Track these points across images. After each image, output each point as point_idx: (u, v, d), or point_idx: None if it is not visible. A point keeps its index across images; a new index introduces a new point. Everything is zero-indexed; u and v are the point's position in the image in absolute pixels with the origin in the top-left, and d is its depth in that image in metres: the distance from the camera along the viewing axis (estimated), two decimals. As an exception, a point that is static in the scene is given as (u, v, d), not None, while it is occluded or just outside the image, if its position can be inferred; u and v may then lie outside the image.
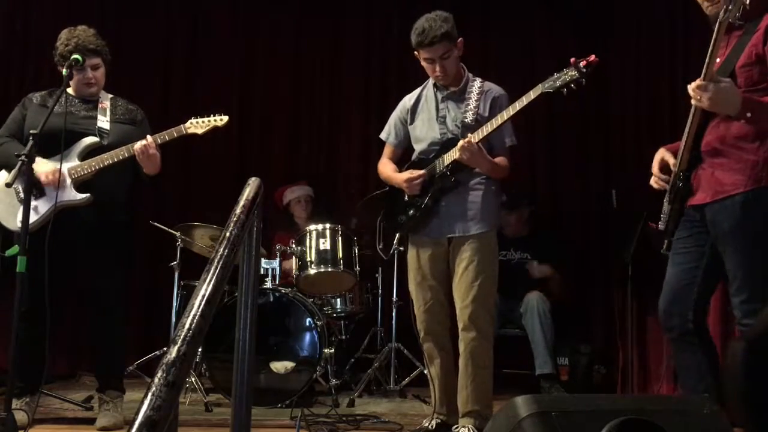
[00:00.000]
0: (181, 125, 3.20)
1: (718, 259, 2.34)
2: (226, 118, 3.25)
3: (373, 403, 3.97)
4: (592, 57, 2.69)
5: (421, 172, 3.04)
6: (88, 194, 3.09)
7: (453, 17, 2.99)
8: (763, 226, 2.24)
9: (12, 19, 5.05)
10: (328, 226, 4.03)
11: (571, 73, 2.71)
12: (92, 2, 5.00)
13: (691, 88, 2.20)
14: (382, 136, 3.32)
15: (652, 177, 2.52)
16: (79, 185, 3.11)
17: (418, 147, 3.16)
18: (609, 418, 1.60)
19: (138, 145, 3.08)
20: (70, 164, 3.11)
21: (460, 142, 2.89)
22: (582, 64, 2.68)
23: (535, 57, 5.27)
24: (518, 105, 2.82)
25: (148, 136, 3.12)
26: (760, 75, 2.22)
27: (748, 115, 2.16)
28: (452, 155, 2.96)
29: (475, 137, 2.89)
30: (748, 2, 2.09)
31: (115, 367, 3.33)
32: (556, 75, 2.76)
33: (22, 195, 3.01)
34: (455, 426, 2.96)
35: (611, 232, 4.72)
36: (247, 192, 1.85)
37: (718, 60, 2.22)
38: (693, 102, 2.23)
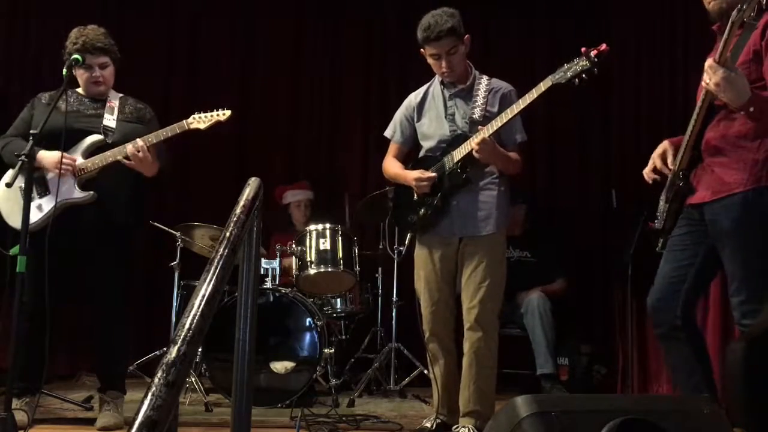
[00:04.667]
0: (183, 121, 3.18)
1: (713, 258, 2.34)
2: (228, 113, 3.23)
3: (373, 403, 3.97)
4: (603, 46, 2.60)
5: (432, 174, 3.01)
6: (92, 192, 3.09)
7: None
8: (763, 225, 2.23)
9: (13, 19, 5.05)
10: (328, 226, 4.02)
11: (582, 63, 2.63)
12: (93, 2, 5.00)
13: (705, 66, 2.17)
14: (387, 134, 3.29)
15: (648, 165, 2.50)
16: (83, 183, 3.11)
17: (426, 144, 3.14)
18: (609, 418, 1.60)
19: (130, 149, 3.06)
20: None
21: (475, 139, 2.85)
22: (593, 53, 2.60)
23: (534, 57, 5.27)
24: (528, 98, 2.76)
25: (138, 140, 3.08)
26: (757, 72, 2.22)
27: (751, 109, 2.15)
28: (462, 151, 2.93)
29: (486, 132, 2.85)
30: (764, 1, 2.08)
31: (118, 367, 3.33)
32: (566, 66, 2.68)
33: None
34: (455, 426, 2.96)
35: (611, 232, 4.72)
36: (247, 192, 1.85)
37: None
38: (702, 84, 2.21)
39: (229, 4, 5.46)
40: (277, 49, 5.46)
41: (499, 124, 2.84)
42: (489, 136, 2.84)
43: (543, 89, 2.73)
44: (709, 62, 2.15)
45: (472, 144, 2.86)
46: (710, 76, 2.14)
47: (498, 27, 5.39)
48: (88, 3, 4.97)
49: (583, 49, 2.63)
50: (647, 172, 2.51)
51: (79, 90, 3.26)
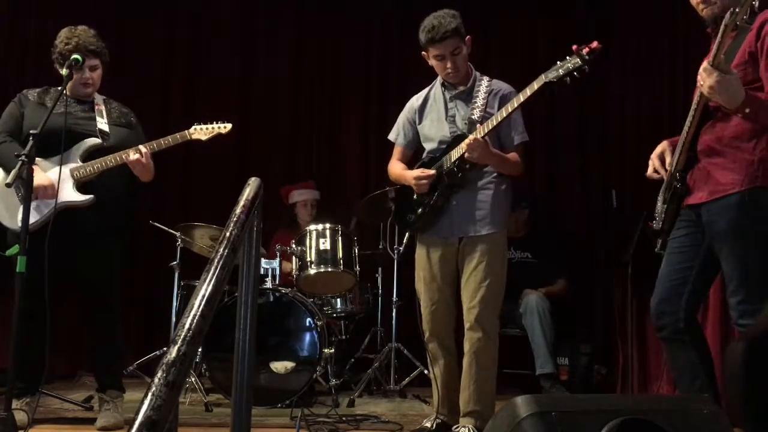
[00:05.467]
0: (186, 131, 3.22)
1: (713, 259, 2.34)
2: (229, 126, 3.27)
3: (373, 403, 3.97)
4: (595, 43, 2.60)
5: (431, 172, 3.02)
6: (92, 195, 3.09)
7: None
8: (759, 225, 2.24)
9: (12, 18, 5.05)
10: (328, 226, 4.02)
11: (574, 61, 2.63)
12: (92, 2, 5.00)
13: (700, 69, 2.17)
14: (391, 137, 3.30)
15: (650, 166, 2.51)
16: (80, 186, 3.11)
17: (428, 146, 3.15)
18: (609, 418, 1.60)
19: (133, 156, 3.08)
20: (72, 165, 3.11)
21: (466, 140, 2.88)
22: (585, 51, 2.61)
23: (535, 57, 5.27)
24: (522, 97, 2.77)
25: (141, 147, 3.11)
26: (753, 73, 2.22)
27: (747, 110, 2.15)
28: (459, 151, 2.94)
29: (479, 132, 2.87)
30: (757, 4, 2.09)
31: (116, 367, 3.33)
32: (558, 64, 2.69)
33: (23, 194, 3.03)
34: (456, 426, 2.96)
35: (611, 232, 4.73)
36: (247, 192, 1.85)
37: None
38: (698, 86, 2.21)
39: (229, 3, 5.46)
40: (277, 49, 5.46)
41: (494, 124, 2.85)
42: (483, 137, 2.85)
43: (536, 88, 2.74)
44: (703, 65, 2.16)
45: (463, 145, 2.88)
46: (704, 79, 2.15)
47: (500, 26, 5.39)
48: (87, 3, 4.97)
49: (574, 47, 2.64)
50: (649, 174, 2.52)
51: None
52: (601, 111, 5.10)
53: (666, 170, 2.46)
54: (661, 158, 2.49)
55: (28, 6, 5.07)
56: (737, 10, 2.06)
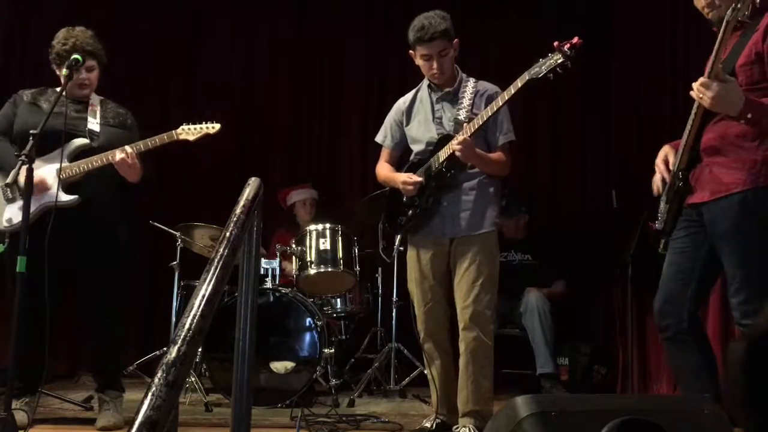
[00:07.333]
0: (173, 131, 3.18)
1: (715, 259, 2.33)
2: (218, 126, 3.24)
3: (373, 403, 3.97)
4: (576, 39, 2.64)
5: (419, 179, 3.03)
6: (76, 196, 3.07)
7: (453, 18, 3.00)
8: (761, 225, 2.23)
9: (11, 18, 5.05)
10: (328, 226, 4.02)
11: (555, 57, 2.67)
12: (92, 2, 5.00)
13: (695, 85, 2.18)
14: (378, 139, 3.31)
15: (657, 172, 2.50)
16: (67, 186, 3.09)
17: (416, 148, 3.16)
18: (609, 418, 1.60)
19: (118, 156, 3.06)
20: (58, 165, 3.09)
21: (455, 138, 2.89)
22: (566, 47, 2.64)
23: (535, 58, 5.26)
24: (506, 95, 2.80)
25: (127, 147, 3.08)
26: (759, 74, 2.22)
27: (749, 116, 2.15)
28: (446, 151, 2.95)
29: (466, 131, 2.88)
30: (758, 1, 2.08)
31: (115, 366, 3.33)
32: (541, 61, 2.72)
33: (9, 194, 3.06)
34: (455, 426, 2.96)
35: (611, 232, 4.73)
36: (247, 192, 1.85)
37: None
38: (696, 99, 2.21)
39: (229, 3, 5.46)
40: (277, 49, 5.46)
41: (479, 123, 2.87)
42: (470, 136, 2.86)
43: (520, 85, 2.76)
44: (699, 81, 2.16)
45: (452, 144, 2.88)
46: (704, 93, 2.14)
47: (498, 28, 5.38)
48: (87, 3, 4.97)
49: (555, 44, 2.67)
50: (656, 181, 2.50)
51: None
52: (602, 111, 5.10)
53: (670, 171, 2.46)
54: (666, 162, 2.48)
55: (28, 6, 5.07)
56: (739, 5, 2.05)
